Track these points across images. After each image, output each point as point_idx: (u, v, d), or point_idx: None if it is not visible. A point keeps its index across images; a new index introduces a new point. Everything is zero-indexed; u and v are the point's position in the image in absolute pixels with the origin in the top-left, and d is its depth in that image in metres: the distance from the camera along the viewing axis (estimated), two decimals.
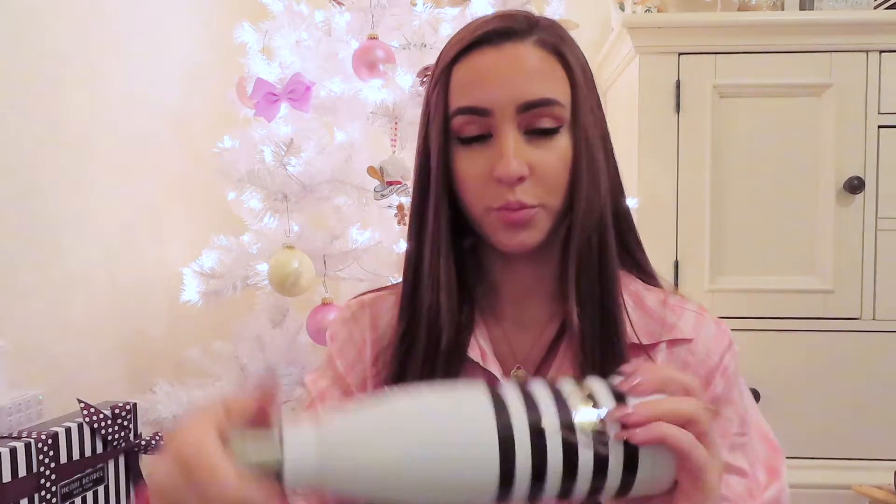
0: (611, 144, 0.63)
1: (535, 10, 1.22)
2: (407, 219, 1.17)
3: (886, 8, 1.76)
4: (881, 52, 1.61)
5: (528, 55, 0.57)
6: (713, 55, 1.63)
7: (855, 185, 1.61)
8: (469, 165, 0.58)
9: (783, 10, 1.86)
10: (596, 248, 0.59)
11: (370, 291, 0.71)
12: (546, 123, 0.57)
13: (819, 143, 1.64)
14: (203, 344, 1.51)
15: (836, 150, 1.63)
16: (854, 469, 1.65)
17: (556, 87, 0.58)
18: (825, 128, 1.63)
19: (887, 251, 1.64)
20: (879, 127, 1.63)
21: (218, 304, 1.41)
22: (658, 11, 1.86)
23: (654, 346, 0.60)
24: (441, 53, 0.61)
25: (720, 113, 1.65)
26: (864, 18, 1.65)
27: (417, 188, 0.62)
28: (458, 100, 0.58)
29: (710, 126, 1.65)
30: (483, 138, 0.58)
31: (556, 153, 0.57)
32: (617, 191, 0.64)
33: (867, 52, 1.62)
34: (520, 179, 0.56)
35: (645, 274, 0.66)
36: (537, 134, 0.57)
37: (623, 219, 0.64)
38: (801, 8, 1.85)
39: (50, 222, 1.27)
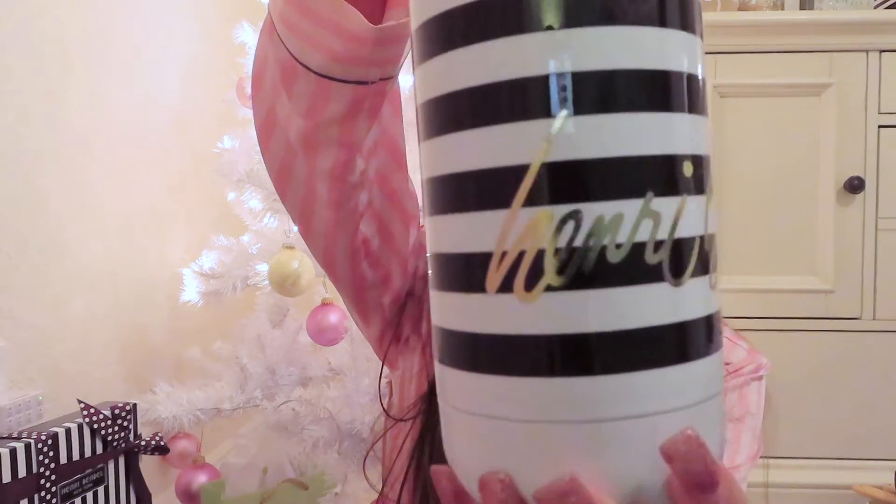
0: None
1: None
2: None
3: (886, 8, 1.76)
4: (881, 51, 1.61)
5: None
6: (713, 55, 1.63)
7: (855, 185, 1.61)
8: None
9: (783, 10, 1.86)
10: None
11: None
12: None
13: (819, 143, 1.64)
14: (203, 344, 1.51)
15: (836, 150, 1.63)
16: (854, 469, 1.65)
17: None
18: (825, 128, 1.63)
19: (888, 251, 1.64)
20: (879, 127, 1.63)
21: (218, 304, 1.41)
22: None
23: None
24: None
25: (720, 113, 1.65)
26: (864, 18, 1.65)
27: None
28: None
29: (710, 126, 1.64)
30: None
31: None
32: None
33: (867, 52, 1.62)
34: None
35: None
36: None
37: None
38: (801, 8, 1.85)
39: (50, 222, 1.27)
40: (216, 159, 1.41)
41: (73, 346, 1.32)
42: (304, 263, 1.30)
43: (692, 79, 0.21)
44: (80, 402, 1.14)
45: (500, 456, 0.21)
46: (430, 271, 0.23)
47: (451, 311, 0.22)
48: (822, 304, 1.66)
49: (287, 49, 0.43)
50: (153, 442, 1.24)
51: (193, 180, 1.73)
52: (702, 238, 0.21)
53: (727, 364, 0.59)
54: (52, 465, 1.04)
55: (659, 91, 0.20)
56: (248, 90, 1.40)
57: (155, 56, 1.63)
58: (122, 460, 1.19)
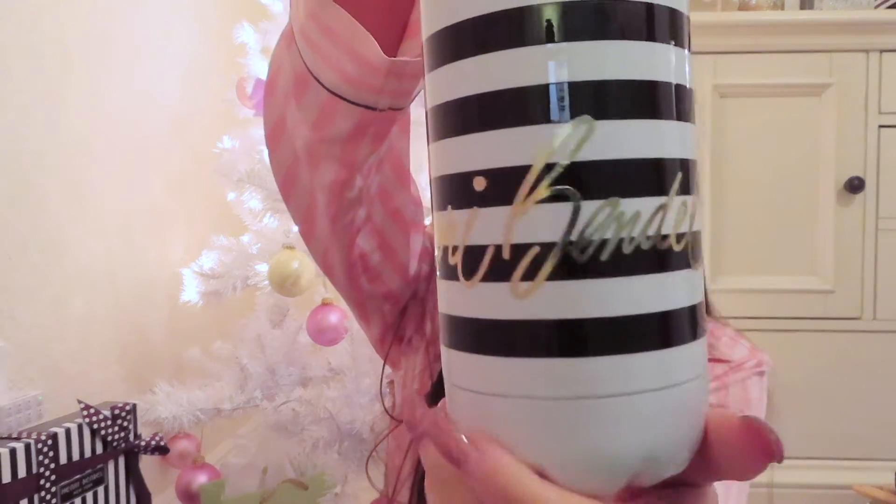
0: None
1: None
2: None
3: (887, 8, 1.76)
4: (881, 51, 1.62)
5: None
6: (713, 55, 1.63)
7: (855, 185, 1.61)
8: None
9: (783, 9, 1.86)
10: None
11: None
12: None
13: (819, 143, 1.64)
14: (203, 344, 1.51)
15: (836, 150, 1.63)
16: (854, 469, 1.65)
17: None
18: (825, 128, 1.63)
19: (888, 251, 1.64)
20: (880, 127, 1.63)
21: (218, 304, 1.41)
22: None
23: None
24: None
25: (720, 113, 1.65)
26: (864, 18, 1.65)
27: None
28: None
29: (710, 126, 1.65)
30: None
31: None
32: None
33: (867, 52, 1.62)
34: None
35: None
36: None
37: None
38: (801, 8, 1.85)
39: (50, 222, 1.27)
40: (216, 159, 1.41)
41: (73, 346, 1.32)
42: (304, 263, 1.30)
43: (680, 88, 0.24)
44: (80, 402, 1.14)
45: (502, 429, 0.23)
46: (436, 263, 0.25)
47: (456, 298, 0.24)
48: (822, 304, 1.66)
49: (303, 60, 0.43)
50: (153, 442, 1.24)
51: (193, 180, 1.73)
52: (497, 247, 0.22)
53: (728, 361, 0.59)
54: (52, 466, 1.04)
55: (647, 100, 0.22)
56: (249, 90, 1.40)
57: (155, 56, 1.63)
58: (122, 460, 1.19)
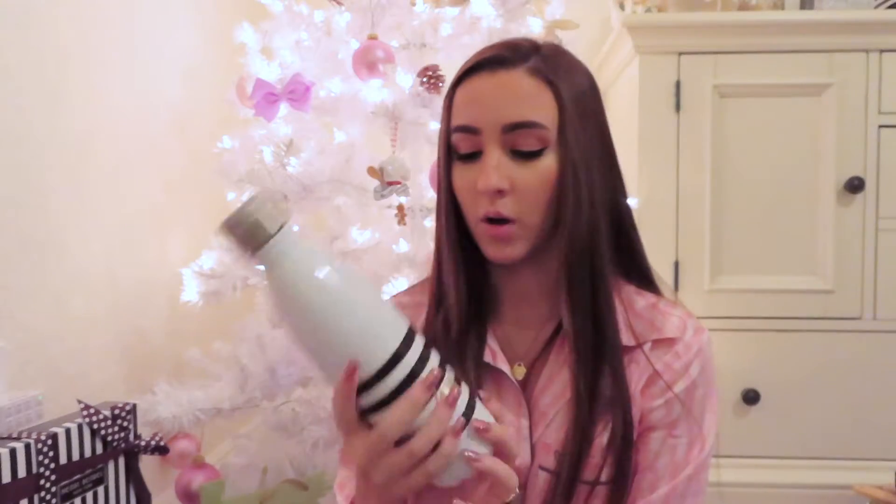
0: (612, 150, 0.68)
1: (534, 10, 1.22)
2: (406, 219, 1.19)
3: (887, 8, 1.76)
4: (881, 51, 1.62)
5: (517, 81, 0.63)
6: (713, 55, 1.63)
7: (855, 185, 1.62)
8: (462, 179, 0.65)
9: (783, 9, 1.86)
10: (588, 257, 0.64)
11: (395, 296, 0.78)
12: (529, 144, 0.62)
13: (819, 143, 1.64)
14: (203, 344, 1.51)
15: (836, 150, 1.63)
16: (854, 469, 1.65)
17: (541, 111, 0.62)
18: (825, 128, 1.63)
19: (887, 251, 1.64)
20: (879, 127, 1.63)
21: (218, 304, 1.41)
22: (658, 11, 1.86)
23: (639, 346, 0.65)
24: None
25: (720, 113, 1.65)
26: (864, 18, 1.65)
27: (437, 200, 0.71)
28: (456, 119, 0.65)
29: (710, 126, 1.65)
30: (475, 155, 0.64)
31: (538, 173, 0.63)
32: (617, 196, 0.68)
33: (867, 52, 1.62)
34: (499, 192, 0.62)
35: (642, 278, 0.70)
36: (521, 154, 0.63)
37: (623, 223, 0.68)
38: (801, 8, 1.85)
39: (50, 222, 1.27)
40: (216, 159, 1.41)
41: (73, 346, 1.32)
42: None
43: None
44: (80, 402, 1.14)
45: None
46: None
47: None
48: (822, 304, 1.66)
49: None
50: (153, 442, 1.24)
51: (193, 180, 1.73)
52: None
53: (675, 339, 0.65)
54: (52, 465, 1.04)
55: None
56: (249, 90, 1.40)
57: (155, 56, 1.63)
58: (122, 460, 1.19)
